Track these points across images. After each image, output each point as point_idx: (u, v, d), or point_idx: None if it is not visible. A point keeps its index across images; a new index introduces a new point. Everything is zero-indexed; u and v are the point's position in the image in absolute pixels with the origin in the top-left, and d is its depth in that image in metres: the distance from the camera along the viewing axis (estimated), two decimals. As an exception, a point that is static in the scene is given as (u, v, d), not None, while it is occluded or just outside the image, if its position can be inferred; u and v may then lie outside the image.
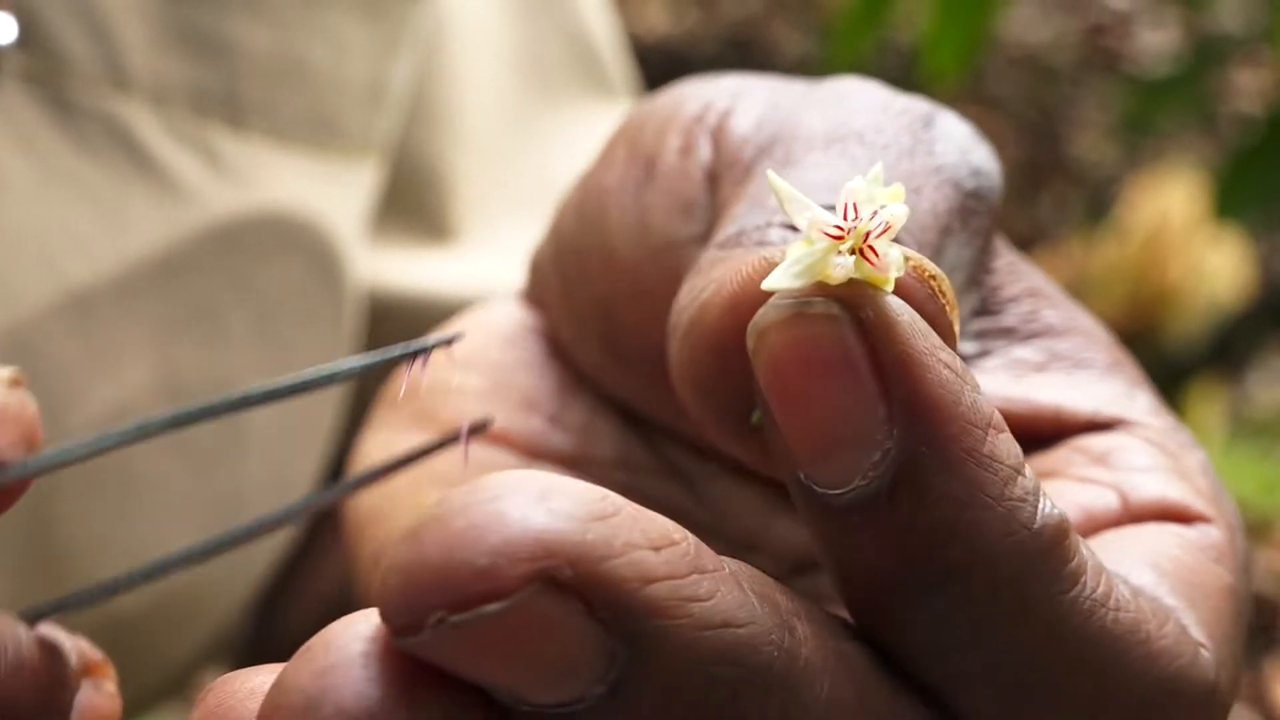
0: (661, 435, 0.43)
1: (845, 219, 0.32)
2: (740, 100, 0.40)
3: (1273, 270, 2.25)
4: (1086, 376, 0.40)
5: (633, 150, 0.41)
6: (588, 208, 0.42)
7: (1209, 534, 0.37)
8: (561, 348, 0.44)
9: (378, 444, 0.44)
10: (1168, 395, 1.84)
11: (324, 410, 0.61)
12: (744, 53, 3.35)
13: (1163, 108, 2.02)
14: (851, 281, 0.31)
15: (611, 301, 0.41)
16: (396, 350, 0.34)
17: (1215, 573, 0.36)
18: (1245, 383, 2.25)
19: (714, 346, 0.34)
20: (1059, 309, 0.41)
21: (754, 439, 0.34)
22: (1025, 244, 2.67)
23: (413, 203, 0.67)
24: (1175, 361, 2.04)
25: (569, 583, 0.27)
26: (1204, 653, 0.34)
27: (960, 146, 0.39)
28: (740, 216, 0.36)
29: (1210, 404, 2.07)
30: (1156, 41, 3.18)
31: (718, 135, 0.40)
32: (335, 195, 0.60)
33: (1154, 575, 0.35)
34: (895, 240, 0.32)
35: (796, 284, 0.31)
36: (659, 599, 0.28)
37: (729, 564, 0.30)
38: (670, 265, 0.39)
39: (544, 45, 0.72)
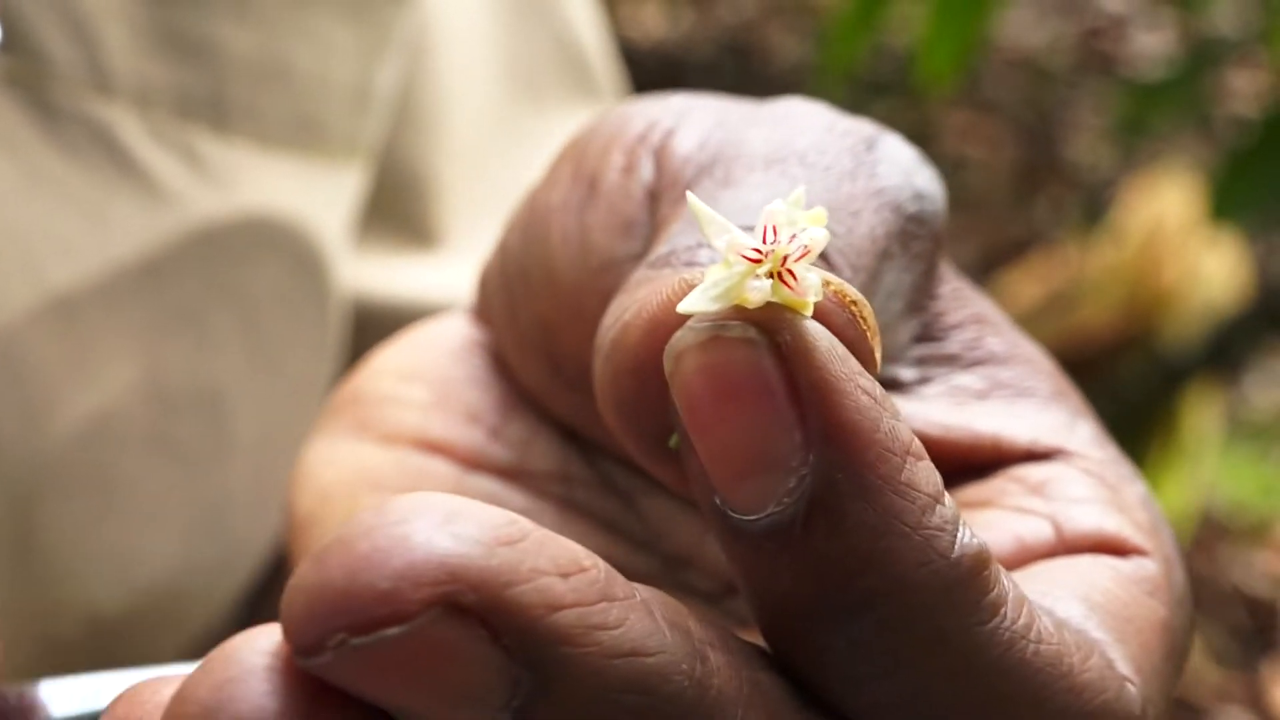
0: (600, 452, 0.43)
1: (764, 242, 0.31)
2: (685, 119, 0.40)
3: (1269, 272, 2.26)
4: (1028, 405, 0.39)
5: (577, 168, 0.41)
6: (532, 226, 0.42)
7: (1144, 567, 0.36)
8: (506, 364, 0.44)
9: (319, 452, 0.43)
10: (1164, 398, 1.84)
11: (308, 414, 0.60)
12: (740, 57, 3.35)
13: (1158, 110, 2.02)
14: (770, 305, 0.31)
15: (553, 321, 0.41)
16: None
17: (1148, 606, 0.36)
18: (1242, 385, 2.25)
19: (633, 368, 0.33)
20: (1003, 336, 0.40)
21: (673, 462, 0.34)
22: (1021, 247, 2.67)
23: (397, 208, 0.66)
24: (1172, 364, 2.04)
25: (472, 608, 0.27)
26: (1130, 687, 0.34)
27: (904, 169, 0.38)
28: (674, 236, 0.36)
29: (1207, 407, 2.07)
30: (1152, 44, 3.18)
31: (660, 154, 0.40)
32: (320, 198, 0.60)
33: (1083, 608, 0.35)
34: (826, 263, 0.32)
35: (713, 307, 0.31)
36: (565, 626, 0.28)
37: (640, 591, 0.29)
38: (609, 286, 0.39)
39: (531, 50, 0.72)
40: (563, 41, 0.73)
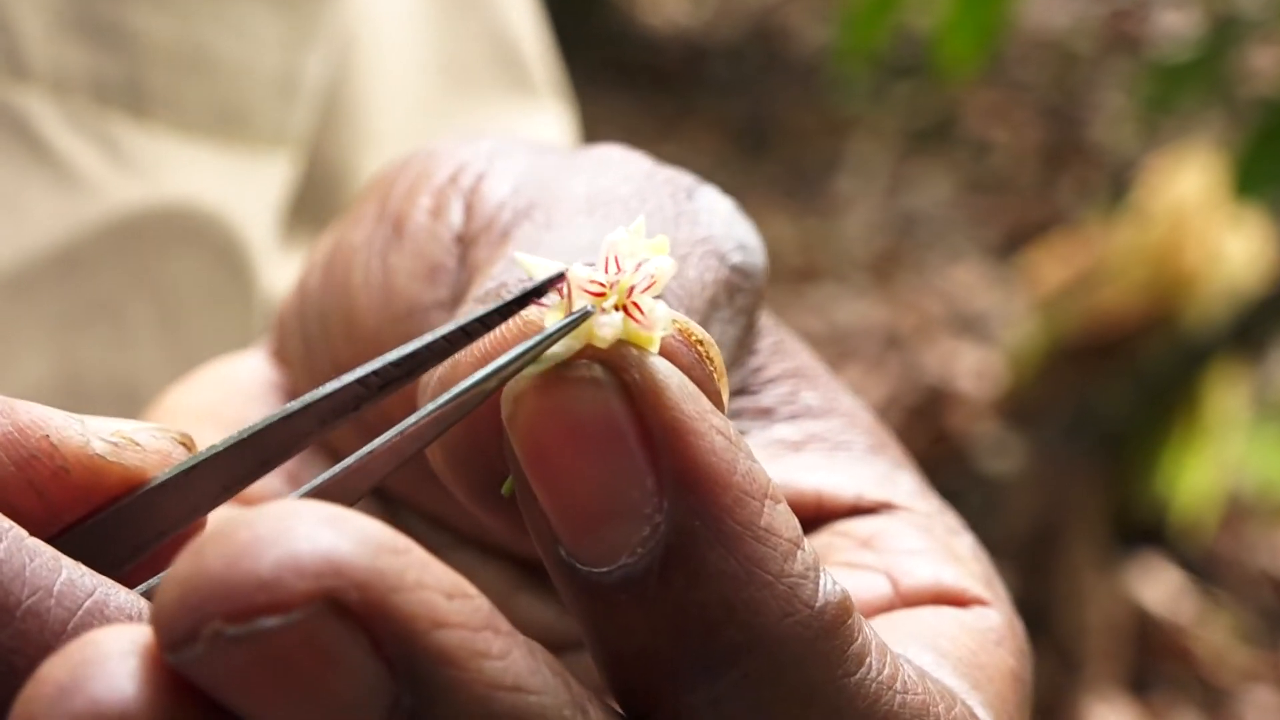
0: (402, 505, 0.41)
1: (607, 272, 0.30)
2: (496, 163, 0.39)
3: (1294, 252, 2.25)
4: (847, 458, 0.38)
5: (381, 208, 0.40)
6: (333, 267, 0.41)
7: (987, 617, 0.36)
8: None
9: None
10: (1188, 379, 1.83)
11: None
12: (762, 42, 3.35)
13: (1182, 90, 2.01)
14: (615, 342, 0.29)
15: (351, 365, 0.38)
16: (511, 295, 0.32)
17: (997, 655, 0.35)
18: (1267, 365, 2.24)
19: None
20: (820, 390, 0.39)
21: (507, 510, 0.32)
22: (1045, 228, 2.67)
23: (321, 206, 0.65)
24: (1196, 344, 2.04)
25: (355, 608, 0.26)
26: None
27: (724, 219, 0.37)
28: (501, 273, 0.35)
29: (1232, 387, 2.06)
30: (1176, 24, 3.17)
31: (471, 198, 0.38)
32: (245, 189, 0.59)
33: (934, 657, 0.34)
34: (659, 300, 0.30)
35: (559, 349, 0.29)
36: (450, 646, 0.26)
37: (520, 636, 0.28)
38: (412, 331, 0.38)
39: (464, 46, 0.70)
40: (496, 37, 0.71)
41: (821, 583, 0.30)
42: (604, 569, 0.29)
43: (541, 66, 0.74)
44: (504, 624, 0.28)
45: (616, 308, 0.30)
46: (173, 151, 0.57)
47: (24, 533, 0.29)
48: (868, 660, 0.30)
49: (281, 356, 0.44)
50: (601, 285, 0.30)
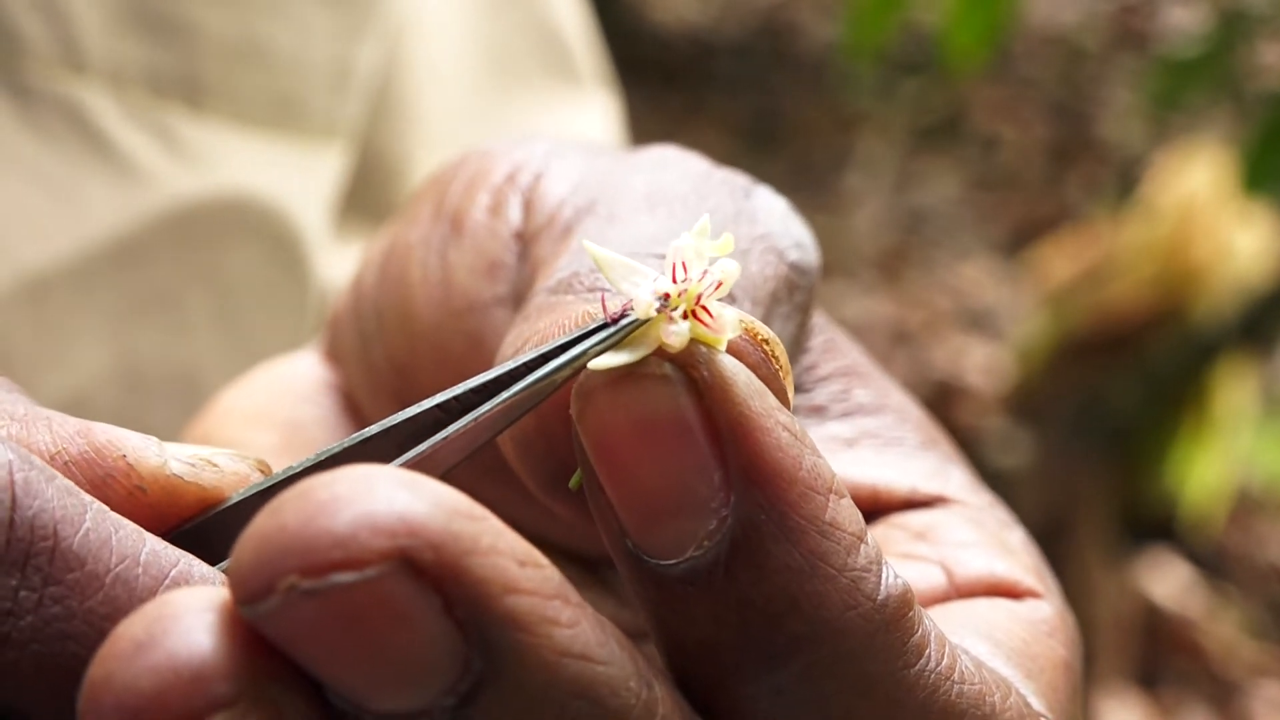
0: None
1: (675, 280, 0.30)
2: (552, 163, 0.40)
3: (1302, 247, 2.24)
4: (899, 454, 0.39)
5: (438, 206, 0.40)
6: (390, 264, 0.41)
7: (1039, 609, 0.37)
8: (357, 406, 0.43)
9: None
10: (1197, 374, 1.83)
11: None
12: (770, 39, 3.35)
13: (1190, 85, 2.01)
14: None
15: (409, 362, 0.40)
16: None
17: (1049, 646, 0.36)
18: (1275, 360, 2.25)
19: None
20: (871, 387, 0.40)
21: (575, 502, 0.32)
22: (1053, 224, 2.67)
23: (373, 198, 0.66)
24: (1204, 340, 2.04)
25: (429, 569, 0.26)
26: None
27: (781, 218, 0.38)
28: (570, 264, 0.35)
29: (1240, 382, 2.06)
30: (1184, 20, 3.17)
31: (530, 197, 0.39)
32: (299, 180, 0.59)
33: (988, 647, 0.35)
34: (729, 298, 0.31)
35: (632, 358, 0.30)
36: (521, 611, 0.27)
37: (590, 608, 0.29)
38: (472, 327, 0.38)
39: (511, 38, 0.71)
40: (543, 28, 0.72)
41: (884, 576, 0.31)
42: (670, 561, 0.30)
43: (588, 57, 0.74)
44: (574, 595, 0.28)
45: (685, 315, 0.30)
46: (228, 143, 0.58)
47: (106, 507, 0.30)
48: (927, 651, 0.31)
49: (334, 356, 0.44)
50: (668, 296, 0.30)
